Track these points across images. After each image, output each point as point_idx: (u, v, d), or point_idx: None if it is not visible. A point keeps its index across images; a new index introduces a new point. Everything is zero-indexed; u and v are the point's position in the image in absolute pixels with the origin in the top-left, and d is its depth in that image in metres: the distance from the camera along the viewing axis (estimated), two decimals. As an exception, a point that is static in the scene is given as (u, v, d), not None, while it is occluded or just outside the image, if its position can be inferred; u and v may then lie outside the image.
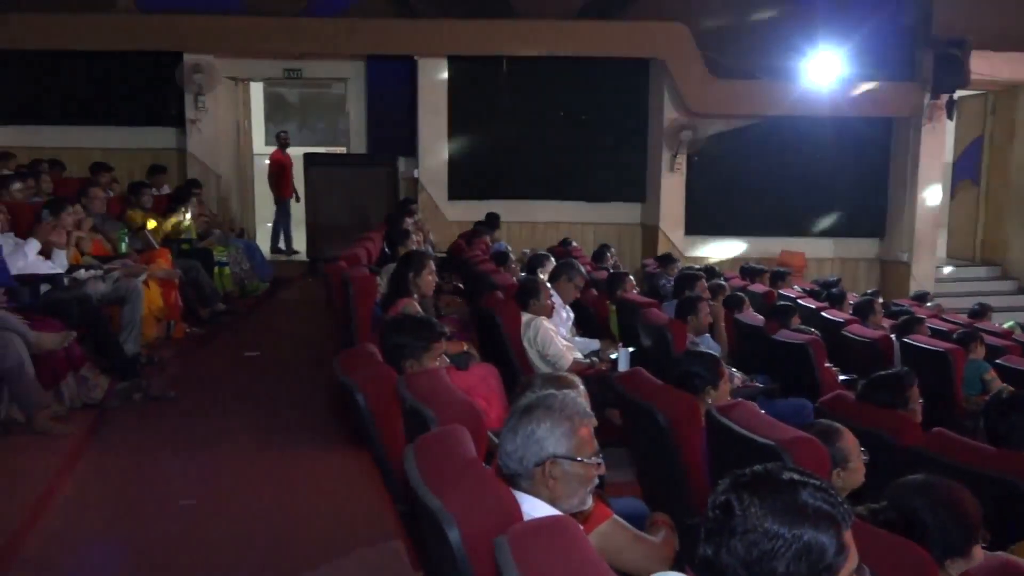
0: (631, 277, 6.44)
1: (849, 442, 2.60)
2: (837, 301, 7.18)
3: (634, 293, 6.15)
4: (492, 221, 9.42)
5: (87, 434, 4.24)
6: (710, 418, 2.87)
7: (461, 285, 7.06)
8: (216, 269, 7.43)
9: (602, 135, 10.80)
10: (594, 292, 6.40)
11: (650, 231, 10.84)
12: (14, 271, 4.99)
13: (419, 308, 4.30)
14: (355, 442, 4.10)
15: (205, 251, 7.39)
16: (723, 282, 6.51)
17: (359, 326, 4.52)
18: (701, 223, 10.79)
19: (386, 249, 6.55)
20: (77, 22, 9.79)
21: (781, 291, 7.53)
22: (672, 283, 6.95)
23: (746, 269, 8.69)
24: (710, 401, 3.12)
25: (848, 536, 1.27)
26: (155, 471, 4.01)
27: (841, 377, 4.87)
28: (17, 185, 6.16)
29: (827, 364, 4.79)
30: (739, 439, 2.64)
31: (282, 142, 11.25)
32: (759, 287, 7.53)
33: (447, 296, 6.41)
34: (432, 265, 4.67)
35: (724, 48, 10.29)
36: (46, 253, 5.35)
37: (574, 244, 9.46)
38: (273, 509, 3.66)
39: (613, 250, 8.76)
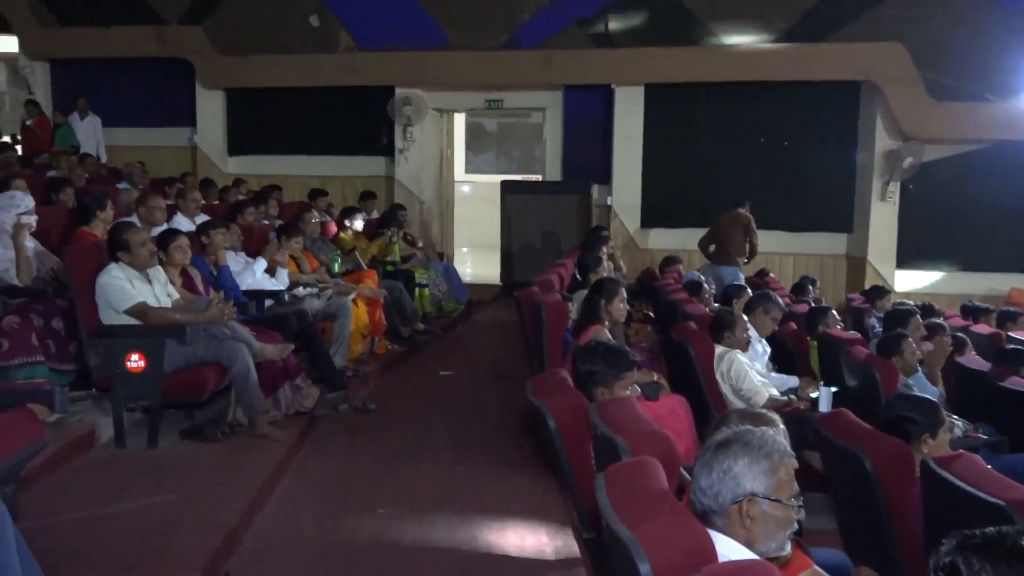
0: (834, 312, 6.08)
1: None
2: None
3: (838, 329, 5.80)
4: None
5: (299, 439, 4.58)
6: (926, 469, 2.63)
7: (652, 314, 6.98)
8: (417, 290, 7.82)
9: (806, 162, 10.33)
10: (793, 326, 6.10)
11: (856, 263, 10.19)
12: (243, 287, 5.54)
13: (610, 335, 4.29)
14: (543, 465, 4.16)
15: (407, 273, 7.80)
16: (942, 321, 5.97)
17: (550, 351, 4.58)
18: (915, 256, 10.01)
19: (578, 276, 6.61)
20: (306, 61, 10.79)
21: (1011, 333, 6.81)
22: (881, 320, 6.48)
23: (968, 308, 7.92)
24: (926, 450, 2.86)
25: None
26: (356, 478, 4.25)
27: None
28: (250, 209, 6.83)
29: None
30: (961, 495, 2.40)
31: None
32: (983, 328, 6.85)
33: (638, 324, 6.36)
34: (623, 293, 4.66)
35: (945, 68, 9.53)
36: (271, 271, 5.90)
37: (771, 275, 9.07)
38: (462, 524, 3.76)
39: (818, 284, 8.31)
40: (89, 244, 4.56)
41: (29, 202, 4.75)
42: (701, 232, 9.41)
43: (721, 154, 10.54)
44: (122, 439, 4.14)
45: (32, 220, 4.71)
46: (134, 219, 5.32)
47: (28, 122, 10.56)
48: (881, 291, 7.79)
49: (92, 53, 11.32)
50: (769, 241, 10.27)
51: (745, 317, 5.03)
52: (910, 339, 4.86)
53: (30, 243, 4.71)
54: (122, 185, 7.85)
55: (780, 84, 10.04)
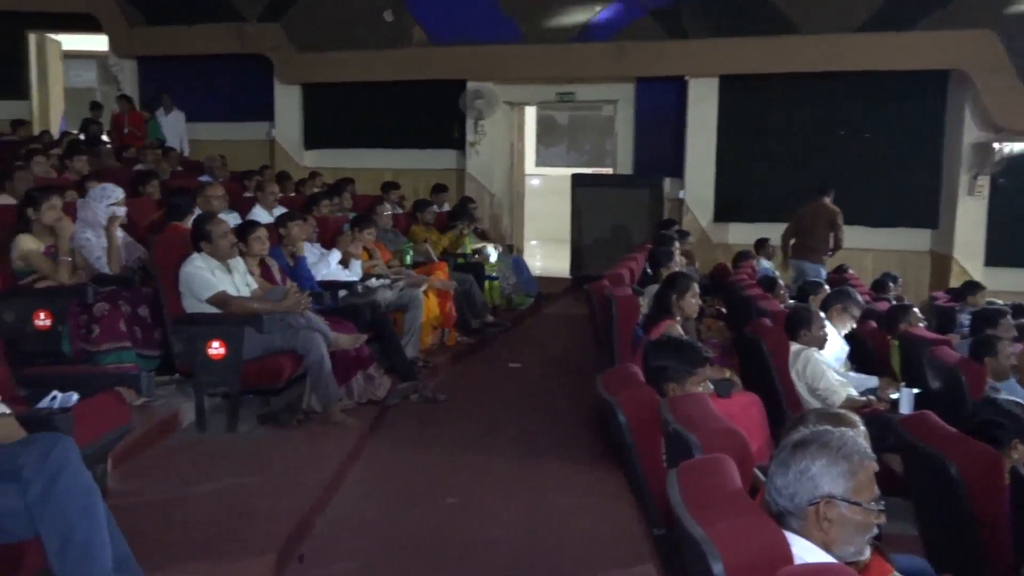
0: (916, 310, 5.86)
1: None
2: None
3: (921, 328, 5.59)
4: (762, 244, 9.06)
5: (370, 428, 4.67)
6: (1016, 476, 2.52)
7: (724, 309, 6.87)
8: (487, 283, 7.86)
9: (888, 155, 9.98)
10: (872, 324, 5.91)
11: (941, 260, 9.81)
12: (318, 278, 5.67)
13: (681, 331, 4.24)
14: (612, 461, 4.13)
15: (477, 265, 7.85)
16: (1034, 323, 5.70)
17: (620, 345, 4.55)
18: (1005, 254, 9.56)
19: (648, 270, 6.54)
20: (380, 56, 10.94)
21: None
22: (970, 318, 6.22)
23: (1061, 309, 7.53)
24: (1016, 457, 2.74)
25: None
26: (426, 468, 4.30)
27: None
28: (325, 202, 6.97)
29: None
30: (1054, 504, 2.29)
31: None
32: (1078, 330, 6.49)
33: (709, 320, 6.26)
34: (696, 287, 4.58)
35: (1043, 56, 9.08)
36: (345, 262, 6.01)
37: (850, 271, 8.81)
38: (528, 517, 3.77)
39: (900, 281, 8.03)
40: (174, 235, 4.72)
41: (119, 194, 4.95)
42: (776, 227, 9.21)
43: (798, 147, 10.27)
44: (203, 423, 4.29)
45: (122, 211, 4.90)
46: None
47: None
48: (975, 286, 7.44)
49: (177, 51, 11.72)
50: (848, 236, 9.98)
51: (822, 314, 4.89)
52: (1005, 341, 4.65)
53: (119, 233, 4.91)
54: (204, 178, 8.10)
55: (861, 75, 9.70)
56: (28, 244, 4.36)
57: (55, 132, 11.06)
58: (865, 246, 9.95)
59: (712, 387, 3.23)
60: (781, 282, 7.08)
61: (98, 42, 12.57)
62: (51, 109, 12.73)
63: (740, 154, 10.40)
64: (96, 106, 11.72)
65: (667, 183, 10.49)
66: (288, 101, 11.73)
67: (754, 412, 3.46)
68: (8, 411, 2.49)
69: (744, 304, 5.85)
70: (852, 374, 5.01)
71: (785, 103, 10.28)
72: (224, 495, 3.58)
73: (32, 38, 12.57)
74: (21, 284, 4.32)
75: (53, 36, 12.84)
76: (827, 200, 8.61)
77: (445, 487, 4.05)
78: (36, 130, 11.25)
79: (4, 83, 12.44)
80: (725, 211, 10.44)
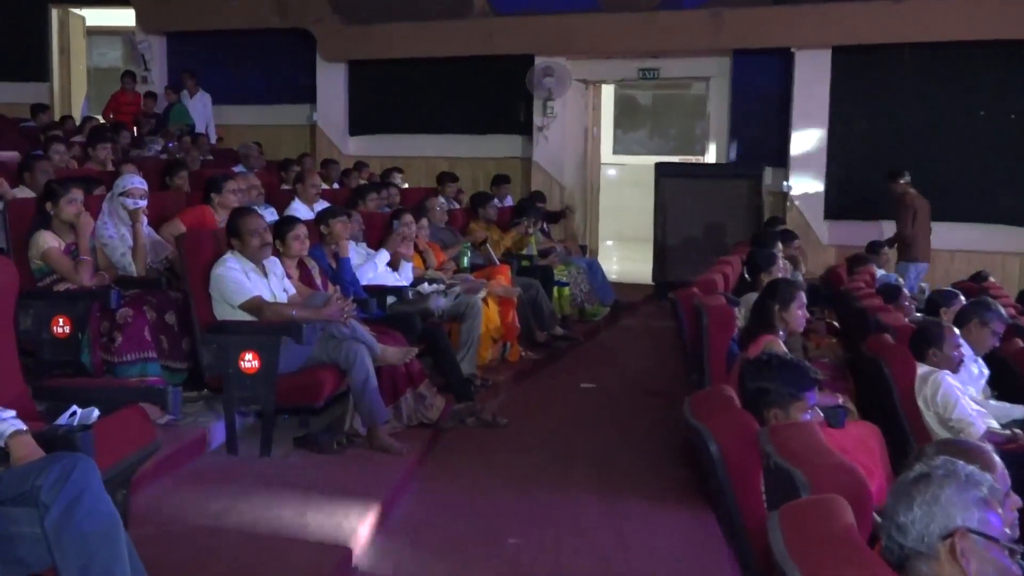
0: (1075, 327, 5.65)
1: None
2: None
3: (1079, 348, 5.39)
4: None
5: (422, 455, 4.72)
6: None
7: (836, 323, 6.75)
8: (555, 289, 7.88)
9: (1039, 139, 9.67)
10: (1018, 343, 5.72)
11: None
12: (364, 282, 5.76)
13: (784, 347, 4.18)
14: (701, 498, 4.09)
15: (545, 269, 7.87)
16: None
17: (712, 364, 4.50)
18: None
19: (746, 276, 6.46)
20: (436, 29, 11.09)
21: None
22: None
23: None
24: None
25: None
26: (485, 503, 4.32)
27: None
28: (372, 195, 7.08)
29: None
30: None
31: None
32: None
33: (819, 335, 6.16)
34: (803, 297, 4.51)
35: None
36: (394, 265, 6.10)
37: (991, 279, 8.54)
38: (604, 563, 3.76)
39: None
40: (205, 230, 4.85)
41: (132, 183, 5.06)
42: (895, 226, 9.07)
43: (927, 131, 10.02)
44: (234, 445, 4.40)
45: (142, 204, 5.04)
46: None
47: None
48: None
49: (209, 25, 12.09)
50: (988, 238, 9.70)
51: (957, 330, 4.76)
52: None
53: (145, 229, 5.06)
54: (238, 168, 8.32)
55: (1007, 44, 9.41)
56: (47, 241, 4.54)
57: (77, 117, 11.51)
58: (1011, 249, 9.63)
59: (822, 415, 3.18)
60: (906, 291, 6.91)
61: (124, 17, 13.03)
62: (73, 91, 13.24)
63: (857, 140, 10.23)
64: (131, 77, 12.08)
65: (768, 173, 10.40)
66: (332, 81, 11.98)
67: (872, 445, 3.42)
68: (24, 428, 2.59)
69: (861, 317, 5.74)
70: (993, 402, 4.86)
71: (913, 80, 10.06)
72: (255, 527, 3.66)
73: (55, 13, 13.08)
74: (40, 286, 4.50)
75: (76, 11, 13.35)
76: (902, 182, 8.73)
77: (507, 526, 4.05)
78: (57, 115, 11.73)
79: (24, 63, 12.99)
80: (838, 207, 10.28)
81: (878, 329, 5.03)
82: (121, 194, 5.02)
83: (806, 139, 10.27)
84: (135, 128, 10.81)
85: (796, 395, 3.02)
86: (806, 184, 10.32)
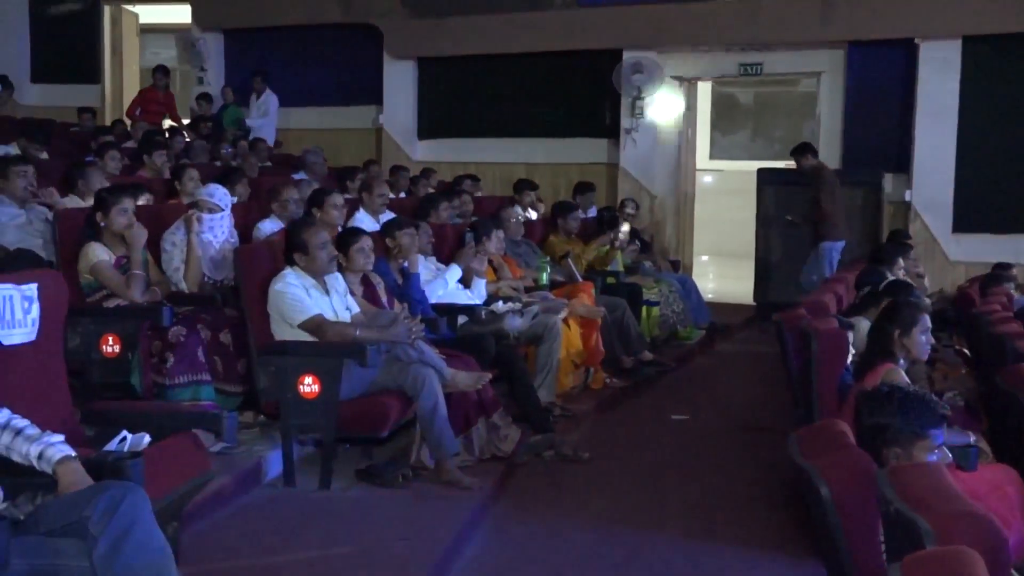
0: None
1: None
2: None
3: None
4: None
5: (494, 490, 4.74)
6: None
7: (967, 351, 6.59)
8: (644, 309, 7.85)
9: None
10: None
11: None
12: (433, 300, 5.82)
13: (906, 378, 4.10)
14: (809, 546, 4.02)
15: (633, 287, 7.84)
16: None
17: (822, 396, 4.45)
18: None
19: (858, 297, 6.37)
20: (514, 22, 11.20)
21: None
22: None
23: None
24: None
25: None
26: (563, 546, 4.31)
27: None
28: (444, 204, 7.16)
29: None
30: None
31: None
32: None
33: (946, 365, 6.02)
34: (927, 321, 4.42)
35: None
36: (466, 281, 6.15)
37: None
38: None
39: None
40: (264, 244, 4.97)
41: (219, 196, 5.29)
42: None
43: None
44: (291, 477, 4.49)
45: (207, 217, 5.21)
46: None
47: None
48: None
49: (268, 21, 12.42)
50: None
51: (1109, 361, 4.60)
52: None
53: (208, 237, 5.21)
54: (299, 175, 8.49)
55: None
56: (97, 254, 4.71)
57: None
58: None
59: (950, 455, 3.11)
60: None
61: (179, 13, 13.47)
62: (125, 93, 13.71)
63: (991, 143, 10.02)
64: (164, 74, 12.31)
65: (888, 181, 10.27)
66: (399, 80, 12.17)
67: (1010, 492, 3.34)
68: (73, 454, 2.69)
69: (995, 344, 5.58)
70: None
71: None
72: (313, 566, 3.72)
73: (107, 10, 13.58)
74: (89, 302, 4.67)
75: (130, 7, 13.84)
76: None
77: (588, 572, 4.04)
78: (107, 118, 12.16)
79: (75, 65, 13.51)
80: (968, 219, 10.07)
81: (1015, 358, 4.88)
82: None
83: (932, 142, 10.08)
84: (166, 131, 10.96)
85: (920, 433, 2.97)
86: (932, 192, 10.13)
